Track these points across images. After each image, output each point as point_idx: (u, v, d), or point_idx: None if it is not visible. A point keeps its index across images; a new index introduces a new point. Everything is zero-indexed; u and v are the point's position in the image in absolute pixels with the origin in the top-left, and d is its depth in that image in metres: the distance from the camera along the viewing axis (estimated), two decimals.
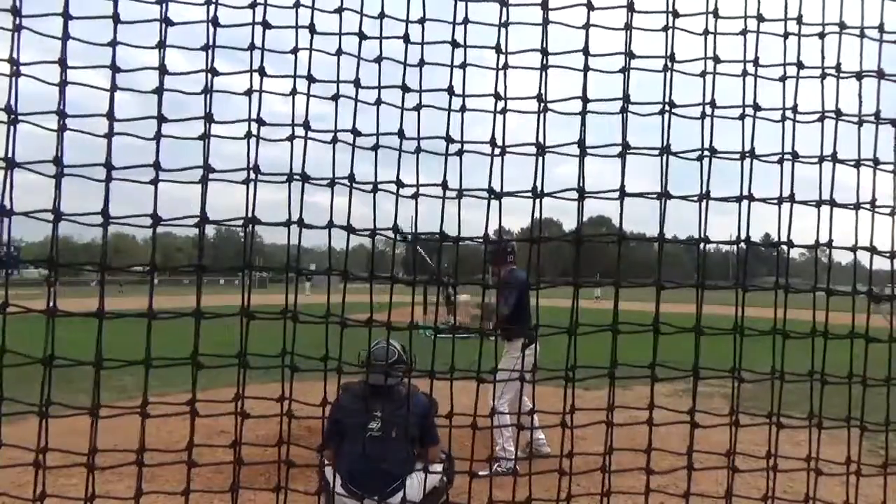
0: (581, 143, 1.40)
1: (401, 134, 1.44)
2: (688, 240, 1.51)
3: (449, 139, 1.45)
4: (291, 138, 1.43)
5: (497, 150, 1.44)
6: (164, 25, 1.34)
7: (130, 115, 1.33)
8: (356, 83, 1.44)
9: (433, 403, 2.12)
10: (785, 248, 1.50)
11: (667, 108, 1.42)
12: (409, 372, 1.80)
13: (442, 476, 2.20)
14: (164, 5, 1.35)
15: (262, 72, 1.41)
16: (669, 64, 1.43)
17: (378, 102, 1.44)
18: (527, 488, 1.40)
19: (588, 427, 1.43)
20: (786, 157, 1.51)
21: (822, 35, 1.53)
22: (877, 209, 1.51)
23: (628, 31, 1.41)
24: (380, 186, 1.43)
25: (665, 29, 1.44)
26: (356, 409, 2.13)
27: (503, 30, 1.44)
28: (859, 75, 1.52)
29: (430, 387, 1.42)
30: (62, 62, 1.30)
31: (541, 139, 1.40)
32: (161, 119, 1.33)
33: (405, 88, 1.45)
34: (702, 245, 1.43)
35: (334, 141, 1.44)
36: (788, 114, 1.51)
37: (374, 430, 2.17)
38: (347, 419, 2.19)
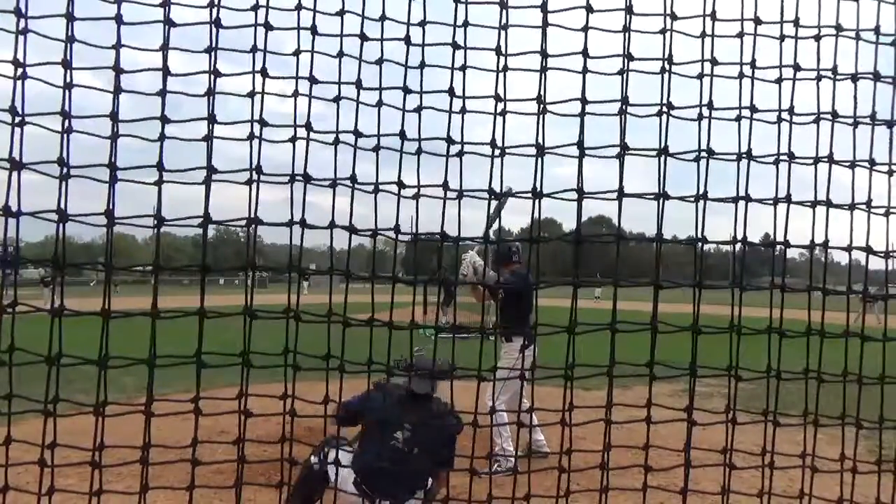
0: (580, 145, 1.42)
1: (402, 135, 1.45)
2: (686, 240, 1.52)
3: (449, 140, 1.46)
4: (293, 139, 1.44)
5: (497, 151, 1.46)
6: (167, 27, 1.35)
7: (128, 118, 1.34)
8: (358, 84, 1.45)
9: (460, 425, 2.04)
10: (781, 248, 1.52)
11: (664, 109, 1.43)
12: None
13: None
14: (167, 7, 1.36)
15: (264, 73, 1.42)
16: (667, 66, 1.44)
17: (379, 104, 1.45)
18: (526, 487, 1.41)
19: (587, 427, 1.44)
20: (782, 158, 1.52)
21: (818, 37, 1.54)
22: (872, 210, 1.53)
23: (626, 34, 1.43)
24: (381, 187, 1.45)
25: (663, 31, 1.45)
26: (387, 412, 2.09)
27: (503, 32, 1.45)
28: (855, 77, 1.54)
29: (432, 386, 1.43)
30: (66, 64, 1.31)
31: (540, 140, 1.42)
32: (164, 120, 1.34)
33: (406, 90, 1.47)
34: (700, 245, 1.45)
35: (336, 142, 1.46)
36: (784, 115, 1.53)
37: (399, 441, 2.13)
38: (375, 417, 2.14)
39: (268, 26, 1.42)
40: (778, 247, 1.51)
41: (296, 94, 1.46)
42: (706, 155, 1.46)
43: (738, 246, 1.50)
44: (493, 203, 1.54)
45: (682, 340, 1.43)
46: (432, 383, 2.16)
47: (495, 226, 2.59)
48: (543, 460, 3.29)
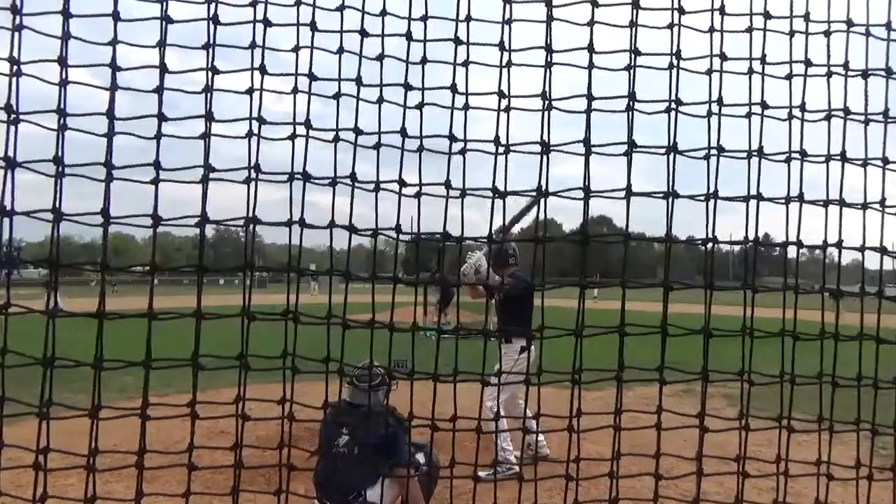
0: (586, 142, 1.39)
1: (403, 133, 1.42)
2: (692, 239, 1.49)
3: (452, 138, 1.43)
4: (292, 137, 1.42)
5: (501, 149, 1.43)
6: (164, 24, 1.33)
7: (124, 115, 1.32)
8: (358, 81, 1.42)
9: (402, 427, 2.17)
10: (794, 248, 1.48)
11: (673, 106, 1.40)
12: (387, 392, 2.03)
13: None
14: (164, 3, 1.33)
15: (262, 70, 1.40)
16: (675, 62, 1.41)
17: (380, 101, 1.42)
18: (531, 490, 1.39)
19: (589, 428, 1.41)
20: (793, 155, 1.49)
21: (828, 33, 1.51)
22: (886, 209, 1.50)
23: (633, 29, 1.40)
24: (382, 186, 1.42)
25: (671, 26, 1.42)
26: (331, 426, 2.35)
27: (507, 27, 1.42)
28: (866, 73, 1.50)
29: (434, 389, 1.40)
30: (62, 61, 1.28)
31: (545, 138, 1.39)
32: (161, 118, 1.32)
33: (407, 87, 1.44)
34: (712, 245, 1.41)
35: (336, 140, 1.43)
36: (795, 112, 1.49)
37: (340, 446, 2.35)
38: (324, 434, 2.40)
39: (266, 22, 1.39)
40: (790, 247, 1.48)
41: (295, 91, 1.43)
42: (716, 153, 1.43)
43: (747, 246, 1.47)
44: (513, 203, 1.51)
45: (686, 340, 1.40)
46: (370, 396, 2.36)
47: (514, 228, 2.60)
48: (544, 463, 3.26)
